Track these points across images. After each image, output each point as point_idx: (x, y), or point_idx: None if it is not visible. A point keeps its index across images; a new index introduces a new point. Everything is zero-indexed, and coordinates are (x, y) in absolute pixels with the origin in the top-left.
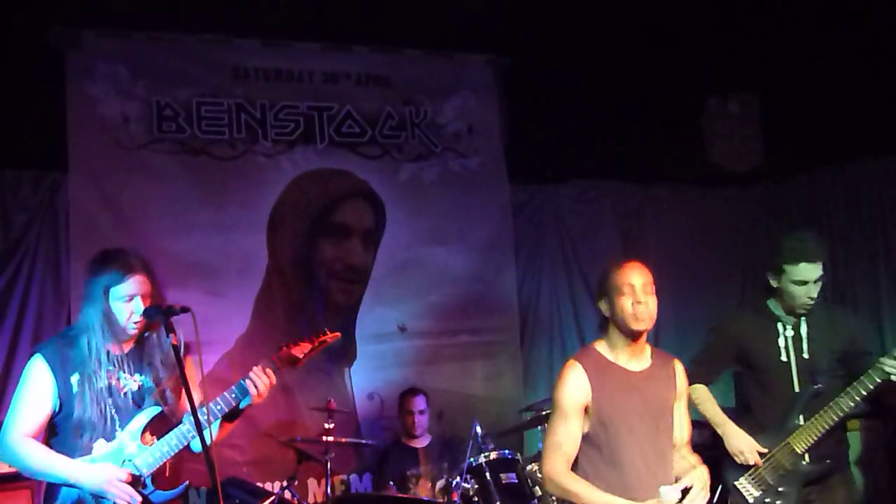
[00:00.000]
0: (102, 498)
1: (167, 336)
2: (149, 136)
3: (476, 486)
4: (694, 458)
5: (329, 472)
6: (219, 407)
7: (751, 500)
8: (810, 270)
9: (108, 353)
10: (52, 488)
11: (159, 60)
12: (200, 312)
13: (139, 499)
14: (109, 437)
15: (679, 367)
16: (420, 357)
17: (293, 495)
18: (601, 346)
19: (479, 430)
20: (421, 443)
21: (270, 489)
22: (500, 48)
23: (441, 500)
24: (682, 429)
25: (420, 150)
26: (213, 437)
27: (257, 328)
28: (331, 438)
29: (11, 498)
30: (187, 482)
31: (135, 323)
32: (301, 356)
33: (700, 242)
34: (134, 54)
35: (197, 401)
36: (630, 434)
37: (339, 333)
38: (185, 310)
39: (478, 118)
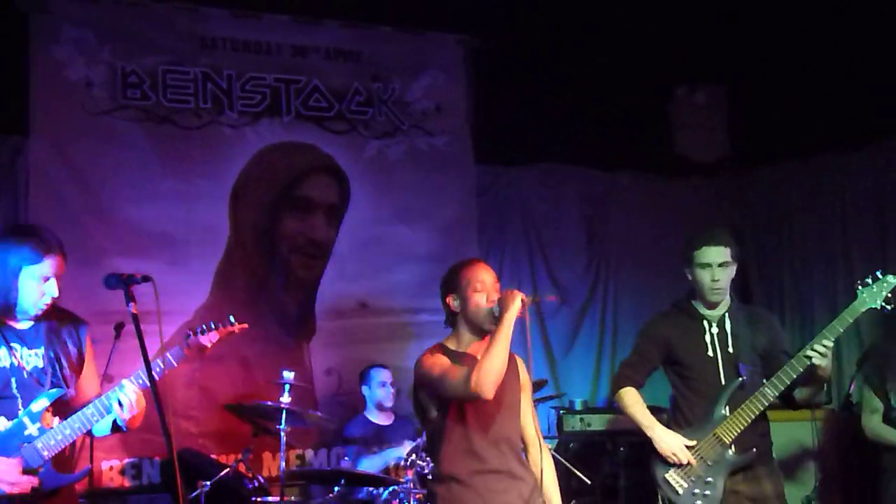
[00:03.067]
0: None
1: (128, 304)
2: (113, 102)
3: (431, 464)
4: (549, 461)
5: (284, 446)
6: (124, 390)
7: (680, 492)
8: (713, 253)
9: (7, 328)
10: None
11: (126, 26)
12: (160, 282)
13: (32, 483)
14: (11, 416)
15: (520, 361)
16: (380, 334)
17: (248, 468)
18: (450, 343)
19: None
20: (385, 420)
21: (225, 461)
22: (472, 29)
23: (393, 477)
24: (528, 421)
25: (387, 127)
26: (106, 426)
27: (217, 300)
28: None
29: None
30: (89, 467)
31: (45, 304)
32: (209, 345)
33: (662, 231)
34: (101, 19)
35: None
36: (485, 418)
37: (246, 325)
38: (146, 279)
39: (446, 97)
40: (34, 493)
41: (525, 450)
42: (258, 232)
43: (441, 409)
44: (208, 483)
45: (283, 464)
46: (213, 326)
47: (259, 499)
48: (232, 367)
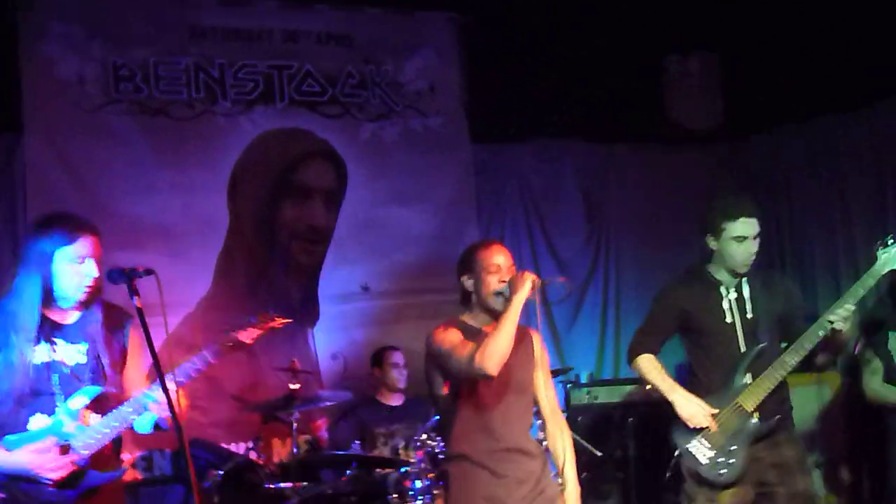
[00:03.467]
0: (34, 482)
1: (131, 298)
2: (105, 96)
3: (441, 444)
4: (567, 439)
5: (294, 433)
6: (129, 409)
7: (704, 462)
8: (749, 226)
9: (49, 323)
10: None
11: (115, 19)
12: (161, 275)
13: (73, 460)
14: (50, 412)
15: (537, 338)
16: (384, 317)
17: (259, 456)
18: (466, 318)
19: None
20: (396, 401)
21: (236, 450)
22: (462, 6)
23: (404, 458)
24: (546, 397)
25: (381, 110)
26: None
27: (219, 290)
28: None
29: None
30: (125, 468)
31: (87, 287)
32: (250, 341)
33: (661, 201)
34: (89, 13)
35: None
36: (496, 395)
37: (289, 319)
38: (149, 272)
39: (439, 77)
40: (75, 486)
41: (543, 425)
42: (257, 220)
43: (453, 386)
44: (220, 472)
45: (295, 449)
46: (252, 321)
47: (272, 486)
48: (238, 355)
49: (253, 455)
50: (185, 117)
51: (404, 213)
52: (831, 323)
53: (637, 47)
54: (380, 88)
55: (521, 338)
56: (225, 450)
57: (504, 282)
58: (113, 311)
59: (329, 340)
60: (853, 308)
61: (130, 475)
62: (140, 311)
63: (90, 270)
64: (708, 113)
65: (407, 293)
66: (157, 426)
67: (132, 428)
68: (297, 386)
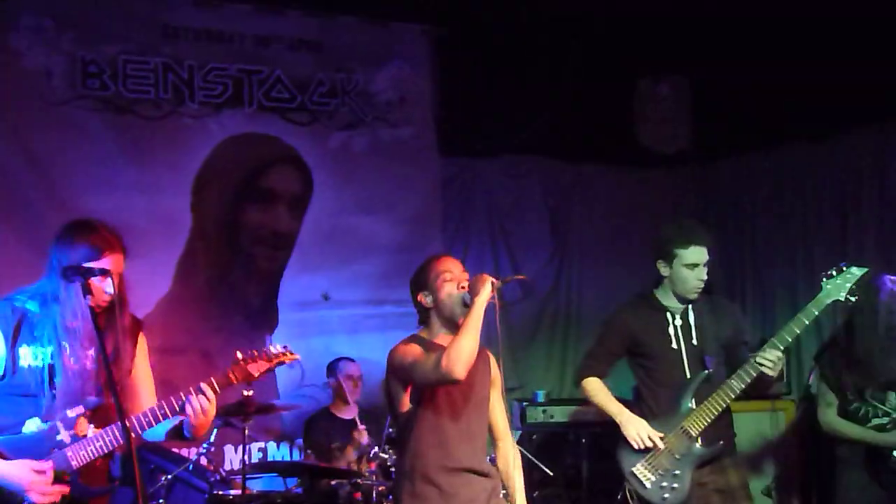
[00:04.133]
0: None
1: (84, 297)
2: (72, 91)
3: (393, 458)
4: (517, 459)
5: (246, 440)
6: (171, 406)
7: (648, 486)
8: (700, 253)
9: (65, 327)
10: None
11: (86, 14)
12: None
13: (63, 492)
14: (46, 417)
15: (492, 357)
16: (343, 326)
17: (209, 461)
18: (424, 334)
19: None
20: (350, 413)
21: (187, 455)
22: (437, 19)
23: (356, 469)
24: (499, 415)
25: (350, 119)
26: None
27: (178, 292)
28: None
29: None
30: (117, 483)
31: (102, 301)
32: (256, 374)
33: (626, 222)
34: (60, 6)
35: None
36: (453, 412)
37: (299, 356)
38: (104, 272)
39: (410, 89)
40: (63, 502)
41: (494, 443)
42: (220, 223)
43: (413, 401)
44: (169, 476)
45: (247, 457)
46: (261, 355)
47: (220, 492)
48: (193, 359)
49: (203, 461)
50: (151, 117)
51: (369, 222)
52: (761, 365)
53: (609, 69)
54: (350, 97)
55: (480, 355)
56: (175, 454)
57: (464, 287)
58: (125, 318)
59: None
60: (782, 353)
61: None
62: (93, 311)
63: (108, 288)
64: (676, 136)
65: (368, 303)
66: (178, 435)
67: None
68: (250, 392)
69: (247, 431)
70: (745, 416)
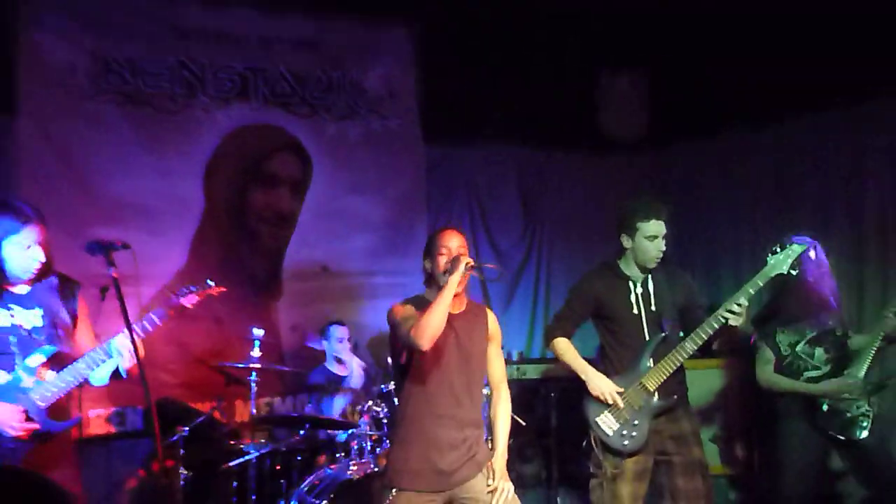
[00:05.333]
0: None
1: (108, 269)
2: (95, 86)
3: (385, 410)
4: (506, 408)
5: (254, 395)
6: (113, 346)
7: (610, 434)
8: (660, 226)
9: (7, 292)
10: None
11: (108, 16)
12: (140, 250)
13: (34, 427)
14: (10, 370)
15: (491, 315)
16: (339, 294)
17: (222, 414)
18: (427, 294)
19: (390, 360)
20: (343, 371)
21: (201, 409)
22: (419, 20)
23: (354, 421)
24: (496, 368)
25: (345, 111)
26: (108, 374)
27: (193, 265)
28: (258, 365)
29: None
30: (79, 416)
31: (34, 269)
32: (189, 305)
33: (591, 203)
34: (83, 8)
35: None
36: (440, 366)
37: (224, 288)
38: (125, 246)
39: (398, 84)
40: (33, 436)
41: (491, 391)
42: (230, 204)
43: (408, 355)
44: (186, 428)
45: (254, 410)
46: (192, 289)
47: (231, 442)
48: (207, 324)
49: (216, 414)
50: (167, 109)
51: (362, 203)
52: (725, 319)
53: (573, 64)
54: (345, 92)
55: (477, 314)
56: (191, 408)
57: (448, 264)
58: (65, 281)
59: (290, 314)
60: (744, 306)
61: (104, 428)
62: (115, 281)
63: (36, 255)
64: (634, 125)
65: (361, 274)
66: (117, 376)
67: (88, 382)
68: (258, 354)
69: (254, 388)
70: (697, 372)
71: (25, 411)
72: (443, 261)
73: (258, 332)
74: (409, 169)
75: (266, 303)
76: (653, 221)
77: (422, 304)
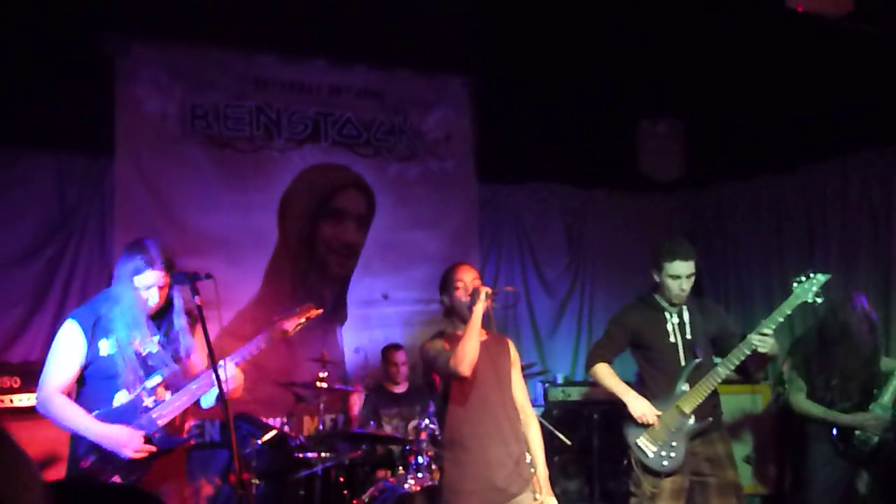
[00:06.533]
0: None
1: (193, 296)
2: (183, 130)
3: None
4: (536, 428)
5: (321, 412)
6: (195, 386)
7: (650, 455)
8: (683, 267)
9: (132, 320)
10: (77, 436)
11: (194, 68)
12: (220, 278)
13: (151, 450)
14: (131, 390)
15: (511, 344)
16: (399, 320)
17: (291, 429)
18: (448, 328)
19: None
20: (400, 389)
21: (273, 424)
22: (475, 71)
23: (412, 438)
24: (519, 391)
25: (406, 153)
26: (213, 399)
27: (267, 292)
28: (324, 385)
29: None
30: (194, 433)
31: (150, 308)
32: (290, 330)
33: (629, 237)
34: (173, 62)
35: (202, 360)
36: (478, 389)
37: (321, 310)
38: (208, 276)
39: (454, 128)
40: (151, 457)
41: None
42: (301, 236)
43: (444, 384)
44: (259, 441)
45: (321, 426)
46: (294, 311)
47: (300, 454)
48: (279, 346)
49: (286, 428)
50: (246, 150)
51: (420, 236)
52: (755, 346)
53: (616, 111)
54: (406, 135)
55: (499, 342)
56: (264, 423)
57: (468, 296)
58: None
59: (354, 337)
60: (771, 332)
61: None
62: (199, 308)
63: (152, 298)
64: (671, 167)
65: (418, 302)
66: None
67: (199, 403)
68: (325, 374)
69: (321, 405)
70: (729, 396)
71: (145, 436)
72: (459, 293)
73: (325, 353)
74: (463, 205)
75: (332, 327)
76: (676, 262)
77: (447, 338)
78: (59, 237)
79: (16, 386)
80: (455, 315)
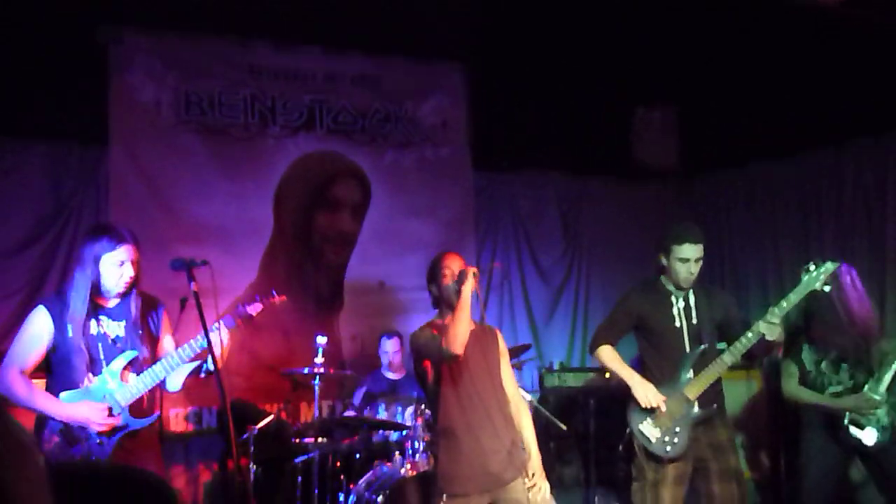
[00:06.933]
0: (84, 428)
1: (189, 283)
2: (177, 118)
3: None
4: (528, 415)
5: (317, 398)
6: (186, 353)
7: (653, 441)
8: (693, 250)
9: (97, 305)
10: (41, 418)
11: (188, 56)
12: (216, 266)
13: (115, 422)
14: (97, 373)
15: (500, 335)
16: (395, 307)
17: (288, 416)
18: (436, 319)
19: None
20: (397, 375)
21: (270, 410)
22: (470, 59)
23: (409, 424)
24: (509, 382)
25: (401, 140)
26: (181, 380)
27: (262, 279)
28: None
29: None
30: (158, 413)
31: (125, 283)
32: (254, 314)
33: (624, 224)
34: (167, 50)
35: (171, 346)
36: (469, 377)
37: (284, 297)
38: (204, 262)
39: (449, 116)
40: (115, 430)
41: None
42: (296, 225)
43: (435, 374)
44: (256, 428)
45: (318, 412)
46: (257, 299)
47: (297, 440)
48: (275, 334)
49: (283, 415)
50: (241, 138)
51: (416, 224)
52: (762, 333)
53: (610, 99)
54: (401, 123)
55: (487, 332)
56: (260, 409)
57: (454, 278)
58: (147, 298)
59: (350, 325)
60: (777, 320)
61: (182, 426)
62: (196, 294)
63: (128, 272)
64: (665, 154)
65: (414, 289)
66: (196, 372)
67: (164, 387)
68: (321, 360)
69: (317, 391)
70: (726, 382)
71: (109, 408)
72: (447, 281)
73: (321, 340)
74: (459, 193)
75: (328, 315)
76: (686, 245)
77: (436, 327)
78: (53, 228)
79: None
80: (444, 303)
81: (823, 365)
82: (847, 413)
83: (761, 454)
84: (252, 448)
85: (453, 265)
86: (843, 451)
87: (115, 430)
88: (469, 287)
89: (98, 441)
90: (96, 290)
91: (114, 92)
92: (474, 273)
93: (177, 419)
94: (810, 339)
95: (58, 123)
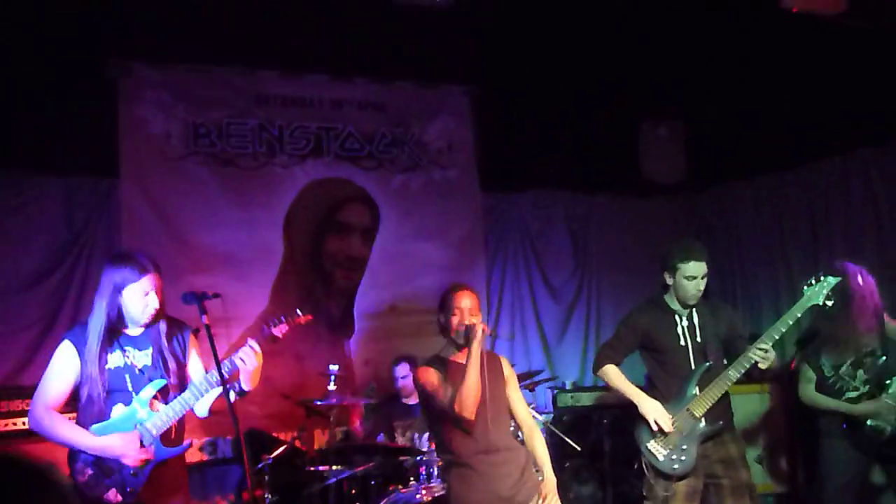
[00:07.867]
0: (116, 459)
1: (201, 316)
2: (187, 149)
3: None
4: (540, 438)
5: (332, 425)
6: (214, 378)
7: (660, 458)
8: (698, 267)
9: (122, 335)
10: (74, 451)
11: (196, 88)
12: (227, 294)
13: (148, 457)
14: (126, 403)
15: (505, 361)
16: (406, 331)
17: (302, 443)
18: (442, 352)
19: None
20: (413, 400)
21: (284, 438)
22: (475, 81)
23: (426, 449)
24: (519, 406)
25: (408, 164)
26: (209, 405)
27: (273, 307)
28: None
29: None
30: (190, 441)
31: (150, 314)
32: (280, 335)
33: (633, 241)
34: (175, 82)
35: (202, 370)
36: (482, 404)
37: (311, 316)
38: (216, 295)
39: (456, 138)
40: (147, 463)
41: (519, 429)
42: (306, 251)
43: (443, 409)
44: (270, 457)
45: (331, 439)
46: (283, 319)
47: (312, 468)
48: (288, 360)
49: (297, 443)
50: (250, 167)
51: (426, 247)
52: (754, 360)
53: (616, 115)
54: (408, 146)
55: (492, 361)
56: (275, 438)
57: (464, 325)
58: (173, 323)
59: (362, 350)
60: (770, 347)
61: (197, 456)
62: (207, 328)
63: (153, 302)
64: (673, 170)
65: (426, 312)
66: (240, 392)
67: (193, 411)
68: (334, 387)
69: (331, 418)
70: (738, 397)
71: (140, 440)
72: (455, 321)
73: (334, 367)
74: (468, 214)
75: (340, 340)
76: (691, 263)
77: (443, 365)
78: (68, 260)
79: (28, 409)
80: (449, 337)
81: (843, 369)
82: (868, 419)
83: (780, 465)
84: (267, 477)
85: (464, 305)
86: (864, 454)
87: (146, 461)
88: (477, 346)
89: (132, 472)
90: (119, 320)
91: (124, 124)
92: (484, 331)
93: (192, 449)
94: (825, 343)
95: (70, 156)
